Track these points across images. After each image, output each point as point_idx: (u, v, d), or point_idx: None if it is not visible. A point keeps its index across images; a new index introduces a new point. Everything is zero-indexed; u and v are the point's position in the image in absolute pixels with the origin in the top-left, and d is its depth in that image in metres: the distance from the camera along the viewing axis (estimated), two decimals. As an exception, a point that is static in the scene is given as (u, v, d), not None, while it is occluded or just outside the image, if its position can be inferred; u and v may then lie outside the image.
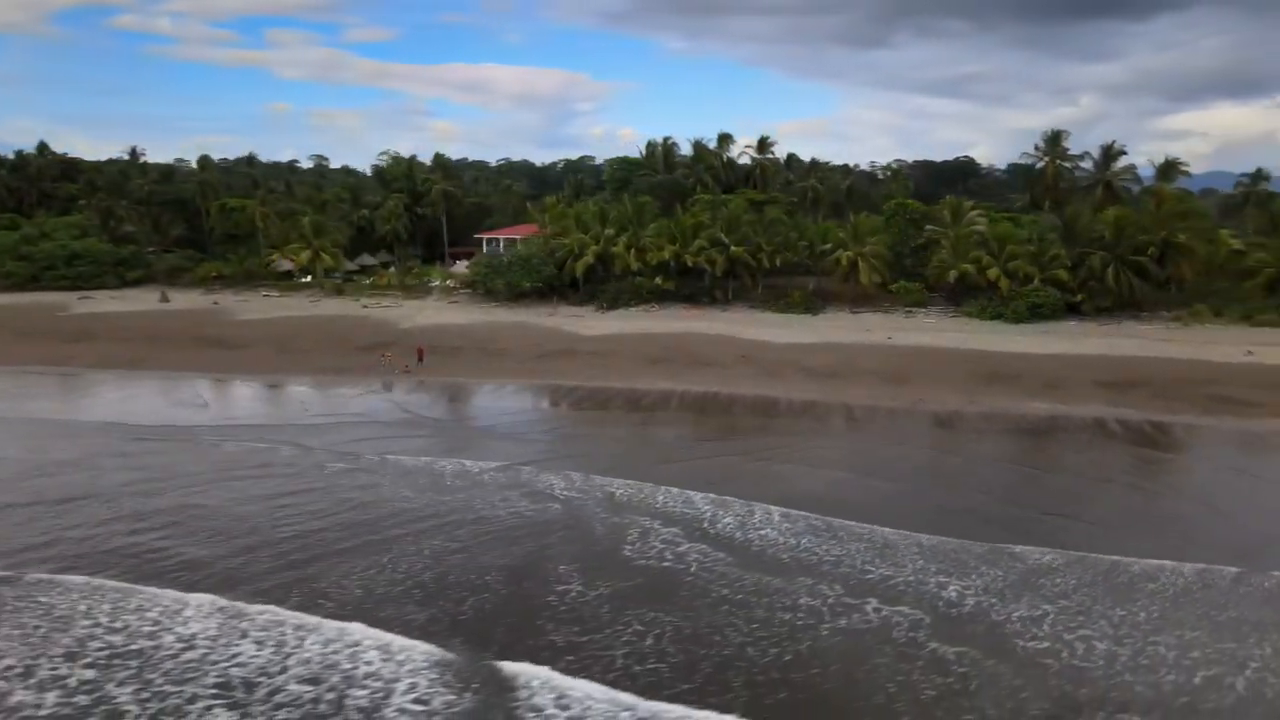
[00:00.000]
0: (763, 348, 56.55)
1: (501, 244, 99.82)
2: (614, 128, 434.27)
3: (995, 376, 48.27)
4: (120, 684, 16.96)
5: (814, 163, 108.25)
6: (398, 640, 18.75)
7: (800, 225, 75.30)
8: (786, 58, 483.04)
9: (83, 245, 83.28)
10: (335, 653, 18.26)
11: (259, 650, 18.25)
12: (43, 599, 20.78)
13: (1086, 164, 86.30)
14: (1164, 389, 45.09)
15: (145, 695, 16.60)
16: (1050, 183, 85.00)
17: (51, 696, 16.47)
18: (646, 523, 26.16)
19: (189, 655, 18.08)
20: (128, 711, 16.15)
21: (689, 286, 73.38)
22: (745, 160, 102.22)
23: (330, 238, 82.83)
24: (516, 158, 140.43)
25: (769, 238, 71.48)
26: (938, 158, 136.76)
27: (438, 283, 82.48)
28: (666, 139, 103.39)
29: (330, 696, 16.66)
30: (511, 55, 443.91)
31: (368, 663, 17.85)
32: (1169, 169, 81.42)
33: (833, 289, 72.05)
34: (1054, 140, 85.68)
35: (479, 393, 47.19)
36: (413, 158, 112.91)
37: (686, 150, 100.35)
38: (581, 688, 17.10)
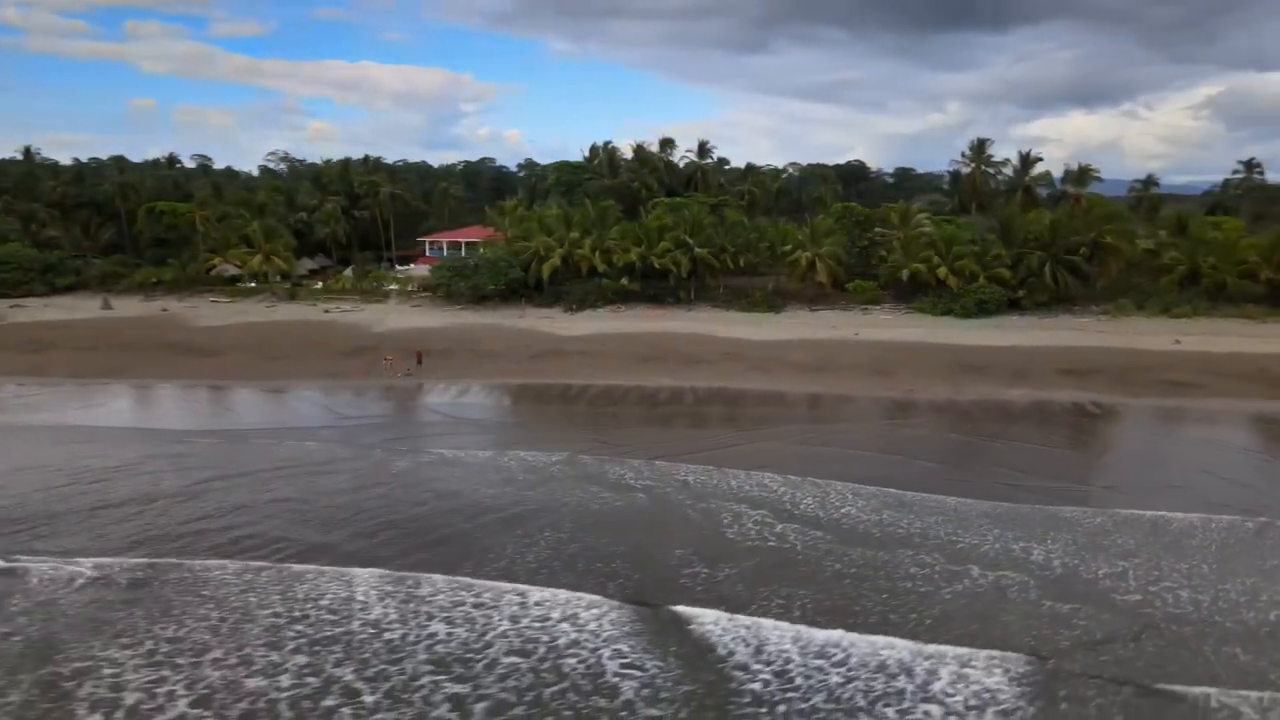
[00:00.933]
0: (743, 345, 59.08)
1: (445, 247, 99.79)
2: (499, 129, 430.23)
3: (968, 368, 52.24)
4: (337, 665, 17.68)
5: (749, 166, 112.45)
6: (583, 597, 20.10)
7: (759, 227, 78.33)
8: (669, 61, 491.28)
9: (5, 250, 78.57)
10: (524, 611, 19.50)
11: (451, 628, 19.20)
12: (204, 591, 21.03)
13: (1007, 170, 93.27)
14: (1119, 375, 49.97)
15: (369, 674, 17.37)
16: (976, 187, 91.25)
17: (284, 680, 17.08)
18: (733, 506, 28.01)
19: (389, 636, 18.89)
20: (360, 689, 16.92)
21: (653, 287, 75.35)
22: (684, 164, 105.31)
23: (282, 241, 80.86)
24: (396, 159, 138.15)
25: (730, 240, 74.25)
26: (817, 160, 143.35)
27: (394, 286, 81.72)
28: (607, 143, 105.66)
29: (544, 639, 17.92)
30: (392, 54, 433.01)
31: (559, 620, 19.15)
32: (1082, 175, 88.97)
33: (792, 288, 75.36)
34: (979, 149, 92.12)
35: (493, 392, 47.69)
36: (348, 159, 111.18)
37: (636, 153, 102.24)
38: (751, 620, 19.03)
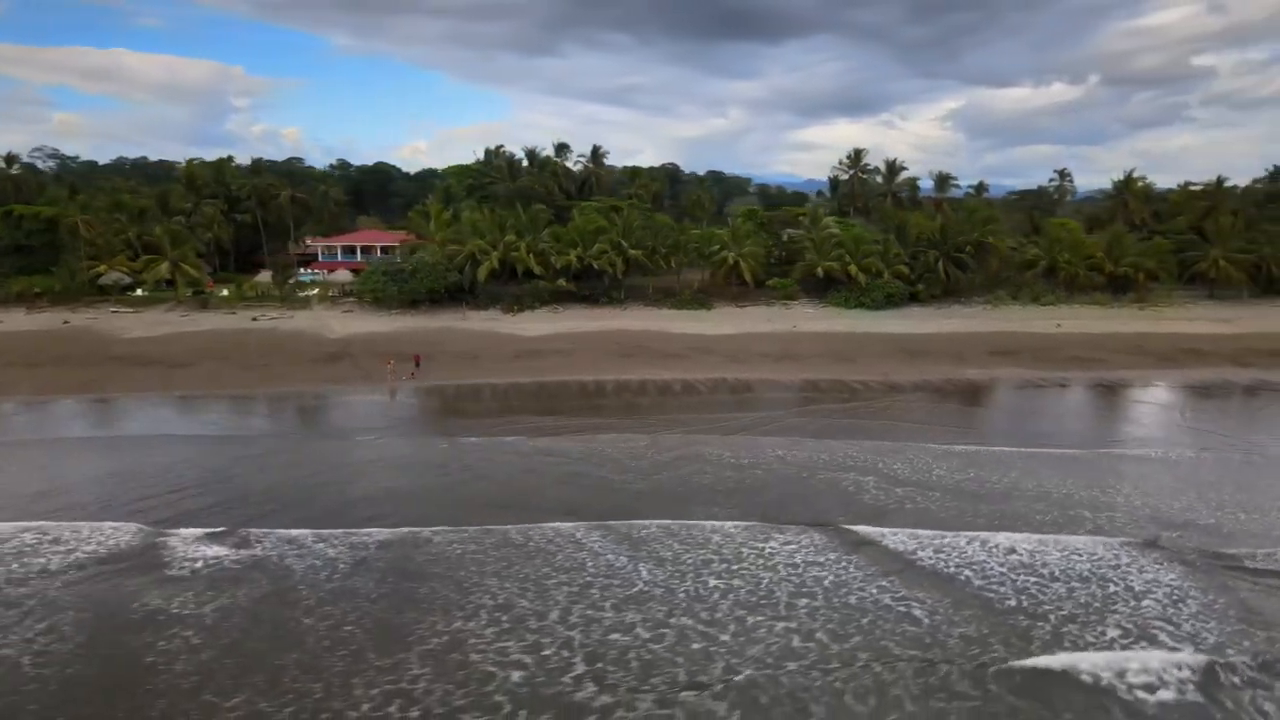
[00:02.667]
0: (704, 340, 63.38)
1: (340, 252, 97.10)
2: (276, 127, 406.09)
3: (912, 353, 59.38)
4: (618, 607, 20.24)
5: (635, 170, 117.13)
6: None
7: (686, 229, 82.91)
8: (458, 62, 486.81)
9: None
10: (782, 544, 22.79)
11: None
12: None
13: (877, 178, 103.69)
14: (1034, 354, 58.82)
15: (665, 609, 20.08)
16: (855, 192, 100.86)
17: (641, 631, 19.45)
18: (845, 476, 32.21)
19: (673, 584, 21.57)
20: (634, 623, 19.63)
21: (586, 288, 78.03)
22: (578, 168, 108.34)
23: (190, 246, 76.18)
24: (155, 156, 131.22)
25: (660, 241, 78.38)
26: (608, 163, 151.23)
27: (312, 293, 79.21)
28: (499, 147, 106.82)
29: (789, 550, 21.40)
30: (150, 41, 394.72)
31: (789, 542, 22.65)
32: (942, 182, 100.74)
33: (717, 286, 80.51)
34: (855, 158, 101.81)
35: (515, 392, 48.58)
36: (223, 159, 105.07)
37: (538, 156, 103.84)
38: (911, 531, 25.10)
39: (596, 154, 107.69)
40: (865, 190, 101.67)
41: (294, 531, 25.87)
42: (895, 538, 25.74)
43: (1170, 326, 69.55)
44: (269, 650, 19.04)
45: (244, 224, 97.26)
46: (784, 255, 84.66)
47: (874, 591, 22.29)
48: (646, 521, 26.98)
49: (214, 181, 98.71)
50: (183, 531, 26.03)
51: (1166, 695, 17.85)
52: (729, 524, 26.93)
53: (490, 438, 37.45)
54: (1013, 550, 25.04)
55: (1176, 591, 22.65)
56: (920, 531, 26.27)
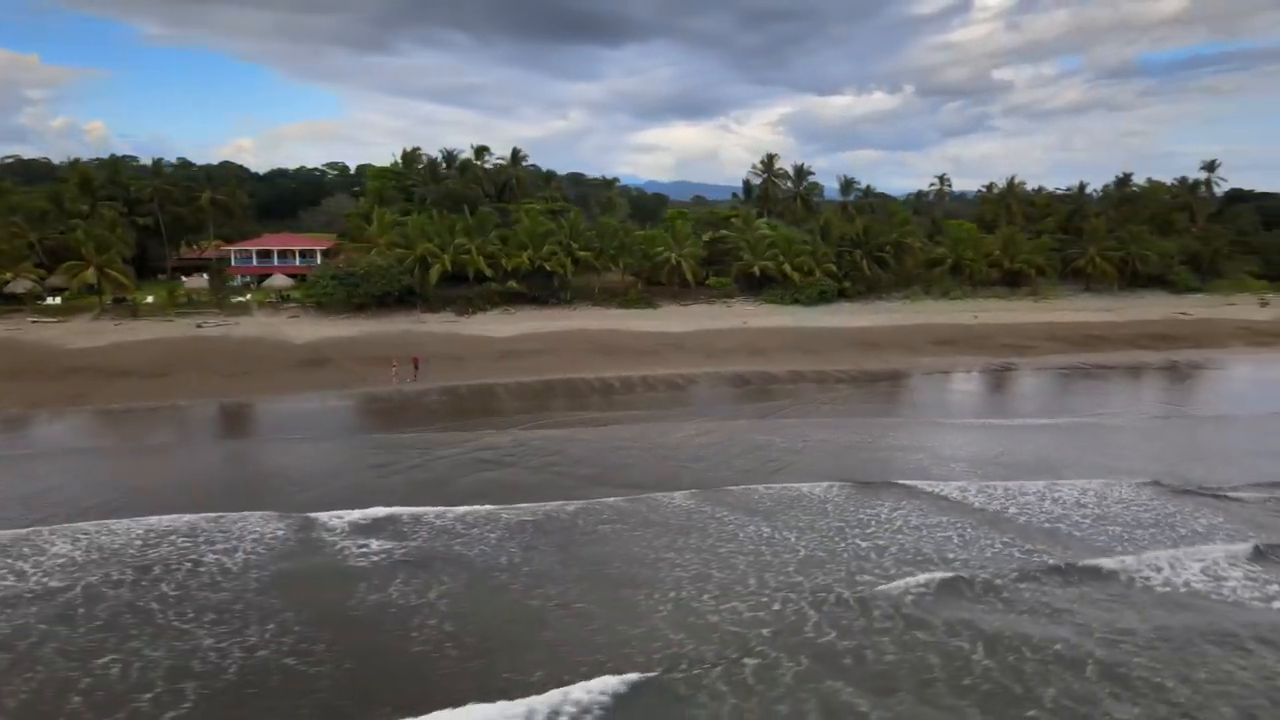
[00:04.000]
0: (668, 336, 66.29)
1: (255, 256, 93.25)
2: (78, 121, 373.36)
3: (865, 344, 64.63)
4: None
5: (551, 173, 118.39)
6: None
7: (630, 231, 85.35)
8: (285, 55, 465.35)
9: None
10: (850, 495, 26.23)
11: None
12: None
13: (786, 182, 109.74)
14: (972, 343, 65.40)
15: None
16: (769, 195, 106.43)
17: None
18: (892, 448, 36.12)
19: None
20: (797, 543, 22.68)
21: (535, 289, 79.15)
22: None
23: (116, 250, 71.66)
24: None
25: (606, 243, 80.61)
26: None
27: (247, 297, 76.33)
28: (415, 149, 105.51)
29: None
30: None
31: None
32: (848, 186, 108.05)
33: (660, 286, 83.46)
34: (769, 163, 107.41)
35: (528, 391, 49.33)
36: (115, 157, 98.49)
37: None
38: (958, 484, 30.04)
39: (516, 157, 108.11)
40: (777, 193, 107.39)
41: (430, 509, 26.95)
42: (948, 487, 30.45)
43: (1067, 316, 78.47)
44: (528, 629, 20.39)
45: (144, 228, 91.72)
46: (714, 256, 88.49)
47: (945, 520, 27.39)
48: (756, 486, 30.30)
49: (110, 183, 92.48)
50: (325, 517, 26.52)
51: (1235, 573, 23.28)
52: (814, 485, 30.49)
53: (555, 430, 39.07)
54: (1048, 493, 30.17)
55: (1186, 510, 28.56)
56: (966, 484, 31.06)
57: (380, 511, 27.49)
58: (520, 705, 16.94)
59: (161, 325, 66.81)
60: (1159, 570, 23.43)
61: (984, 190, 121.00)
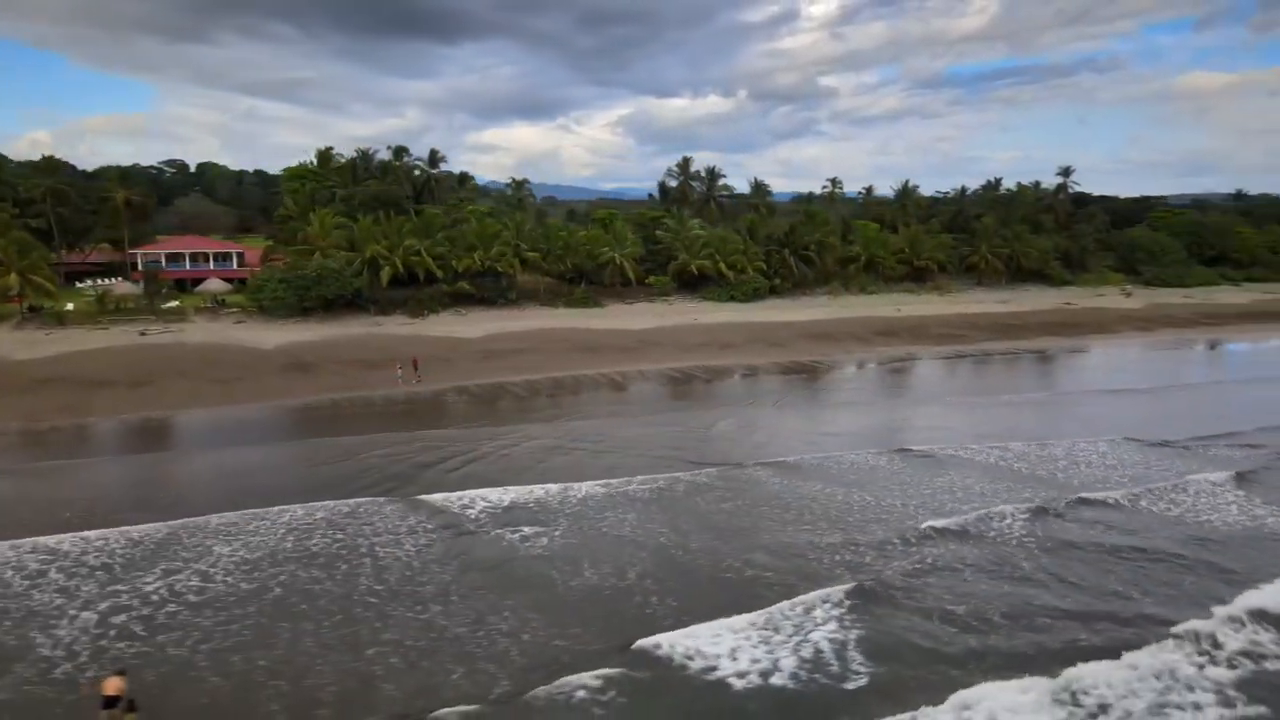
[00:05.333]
0: (636, 334, 68.70)
1: (164, 259, 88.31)
2: None
3: (818, 335, 69.43)
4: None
5: (464, 175, 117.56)
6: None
7: (574, 232, 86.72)
8: (86, 42, 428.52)
9: None
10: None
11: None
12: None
13: (697, 184, 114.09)
14: (911, 334, 71.46)
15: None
16: (685, 197, 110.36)
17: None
18: (910, 423, 40.35)
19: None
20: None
21: (484, 290, 79.42)
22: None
23: (40, 254, 66.48)
24: None
25: (552, 244, 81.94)
26: (274, 162, 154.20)
27: (174, 303, 72.56)
28: (328, 149, 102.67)
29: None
30: None
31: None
32: (759, 188, 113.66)
33: (602, 285, 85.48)
34: (684, 166, 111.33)
35: (541, 388, 50.48)
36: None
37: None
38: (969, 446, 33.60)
39: (434, 158, 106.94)
40: (693, 195, 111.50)
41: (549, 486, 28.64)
42: (959, 450, 35.44)
43: (973, 308, 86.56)
44: (737, 562, 22.56)
45: (36, 230, 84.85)
46: (647, 255, 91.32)
47: (959, 475, 32.44)
48: (816, 457, 34.31)
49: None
50: (443, 499, 27.61)
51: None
52: (867, 454, 34.62)
53: (595, 421, 41.10)
54: (1045, 449, 36.33)
55: (1161, 458, 35.21)
56: (974, 445, 36.58)
57: (502, 493, 29.71)
58: (772, 610, 20.93)
59: (99, 334, 62.78)
60: (1161, 495, 30.21)
61: (863, 193, 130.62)
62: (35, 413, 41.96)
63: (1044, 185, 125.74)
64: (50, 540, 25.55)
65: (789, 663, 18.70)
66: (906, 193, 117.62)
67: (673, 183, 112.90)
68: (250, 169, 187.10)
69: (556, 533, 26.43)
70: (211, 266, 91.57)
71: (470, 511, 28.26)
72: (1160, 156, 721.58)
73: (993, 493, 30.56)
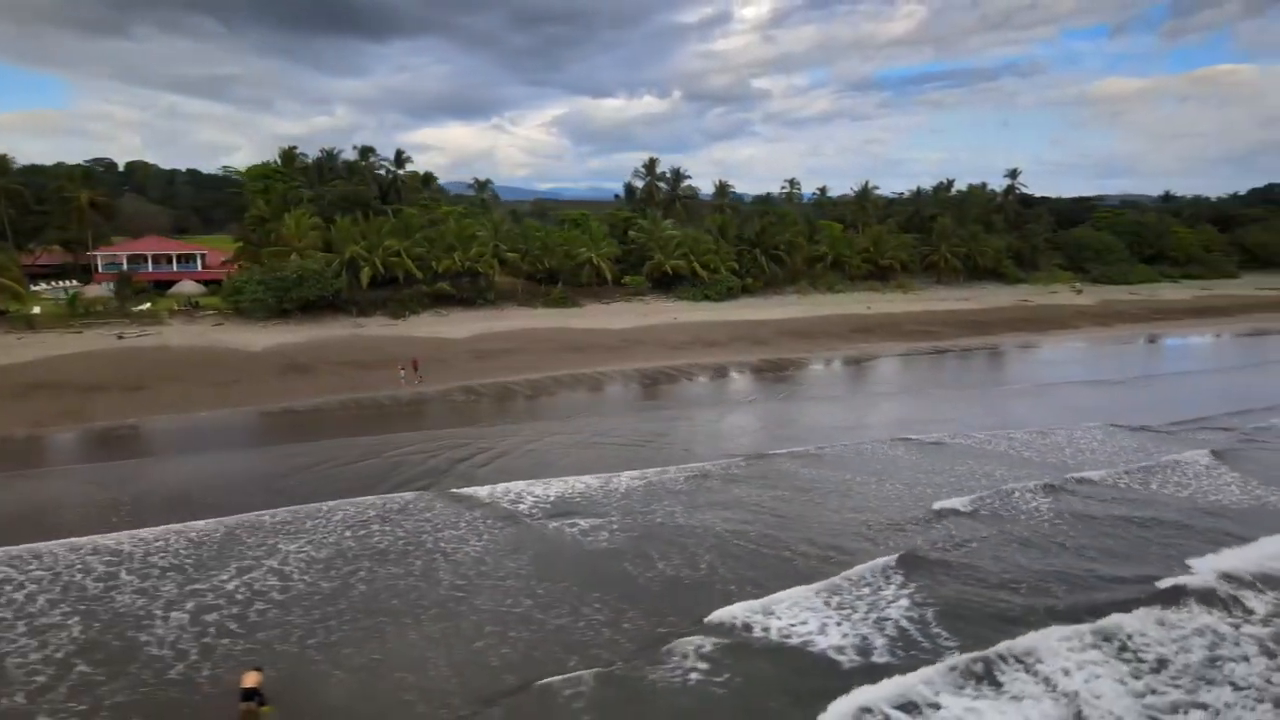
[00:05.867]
0: (617, 333, 69.57)
1: (125, 261, 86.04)
2: None
3: (798, 333, 71.28)
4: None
5: (429, 175, 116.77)
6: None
7: (552, 232, 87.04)
8: None
9: None
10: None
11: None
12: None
13: (662, 184, 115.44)
14: (886, 330, 73.83)
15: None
16: (653, 198, 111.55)
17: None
18: (917, 415, 42.22)
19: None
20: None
21: (462, 290, 79.38)
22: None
23: (8, 257, 64.38)
24: None
25: (530, 244, 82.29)
26: (200, 161, 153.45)
27: (146, 306, 70.93)
28: (291, 148, 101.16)
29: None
30: None
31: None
32: (722, 189, 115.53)
33: (580, 285, 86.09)
34: (650, 167, 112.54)
35: (551, 386, 51.04)
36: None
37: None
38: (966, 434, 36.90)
39: (400, 158, 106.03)
40: (660, 196, 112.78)
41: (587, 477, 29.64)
42: (966, 438, 37.07)
43: (938, 305, 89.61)
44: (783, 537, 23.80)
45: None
46: (620, 255, 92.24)
47: (973, 461, 34.52)
48: (834, 446, 36.01)
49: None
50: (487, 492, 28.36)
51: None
52: (876, 443, 36.81)
53: (613, 418, 41.98)
54: (1045, 437, 38.38)
55: (1146, 441, 37.95)
56: (979, 434, 38.96)
57: (544, 486, 30.69)
58: (834, 579, 22.86)
59: (74, 338, 61.15)
60: (1154, 472, 33.17)
61: (818, 192, 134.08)
62: (38, 418, 41.08)
63: (971, 186, 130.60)
64: (108, 540, 25.51)
65: (859, 625, 20.49)
66: (866, 193, 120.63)
67: (639, 183, 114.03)
68: (183, 168, 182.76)
69: (614, 525, 27.25)
70: (175, 268, 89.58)
71: (521, 506, 28.91)
72: (1079, 159, 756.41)
73: (1007, 475, 32.68)
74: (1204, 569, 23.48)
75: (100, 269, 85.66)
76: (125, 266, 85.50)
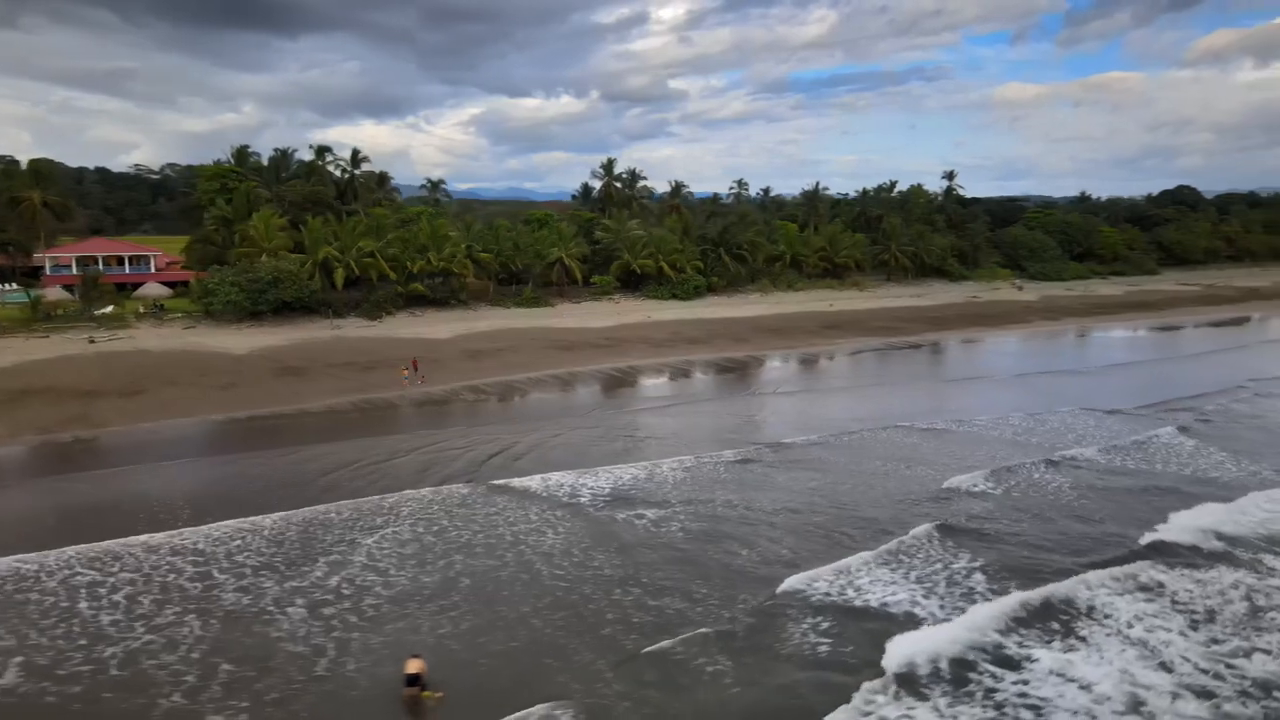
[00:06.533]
0: (599, 332, 70.50)
1: (74, 264, 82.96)
2: None
3: (771, 330, 73.55)
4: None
5: (384, 175, 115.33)
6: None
7: (524, 233, 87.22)
8: None
9: None
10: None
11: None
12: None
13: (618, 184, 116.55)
14: (853, 326, 76.66)
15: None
16: (611, 197, 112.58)
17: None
18: (913, 405, 44.68)
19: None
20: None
21: (435, 291, 79.08)
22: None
23: (-34, 260, 61.52)
24: None
25: (502, 245, 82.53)
26: (95, 158, 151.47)
27: (108, 309, 68.77)
28: (244, 147, 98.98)
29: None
30: None
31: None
32: (676, 190, 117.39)
33: (552, 285, 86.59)
34: (609, 167, 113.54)
35: (557, 383, 51.42)
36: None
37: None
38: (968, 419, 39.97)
39: (356, 158, 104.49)
40: (618, 196, 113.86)
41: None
42: (966, 424, 39.70)
43: (894, 302, 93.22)
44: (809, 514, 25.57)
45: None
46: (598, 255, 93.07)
47: (979, 444, 36.84)
48: (840, 435, 37.51)
49: None
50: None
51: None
52: (883, 430, 39.24)
53: (629, 414, 43.40)
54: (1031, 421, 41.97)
55: (1119, 422, 41.77)
56: (981, 419, 42.42)
57: (593, 477, 32.15)
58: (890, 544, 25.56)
59: (42, 342, 59.05)
60: (1134, 449, 37.08)
61: (762, 193, 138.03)
62: (43, 424, 40.00)
63: (913, 187, 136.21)
64: (183, 540, 25.64)
65: (921, 583, 23.23)
66: (816, 194, 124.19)
67: (596, 183, 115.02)
68: (90, 166, 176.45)
69: (679, 513, 28.48)
70: (127, 270, 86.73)
71: (581, 498, 29.93)
72: (982, 160, 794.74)
73: (1010, 454, 35.96)
74: (1189, 524, 27.10)
75: (49, 271, 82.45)
76: (74, 269, 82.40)
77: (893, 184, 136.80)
